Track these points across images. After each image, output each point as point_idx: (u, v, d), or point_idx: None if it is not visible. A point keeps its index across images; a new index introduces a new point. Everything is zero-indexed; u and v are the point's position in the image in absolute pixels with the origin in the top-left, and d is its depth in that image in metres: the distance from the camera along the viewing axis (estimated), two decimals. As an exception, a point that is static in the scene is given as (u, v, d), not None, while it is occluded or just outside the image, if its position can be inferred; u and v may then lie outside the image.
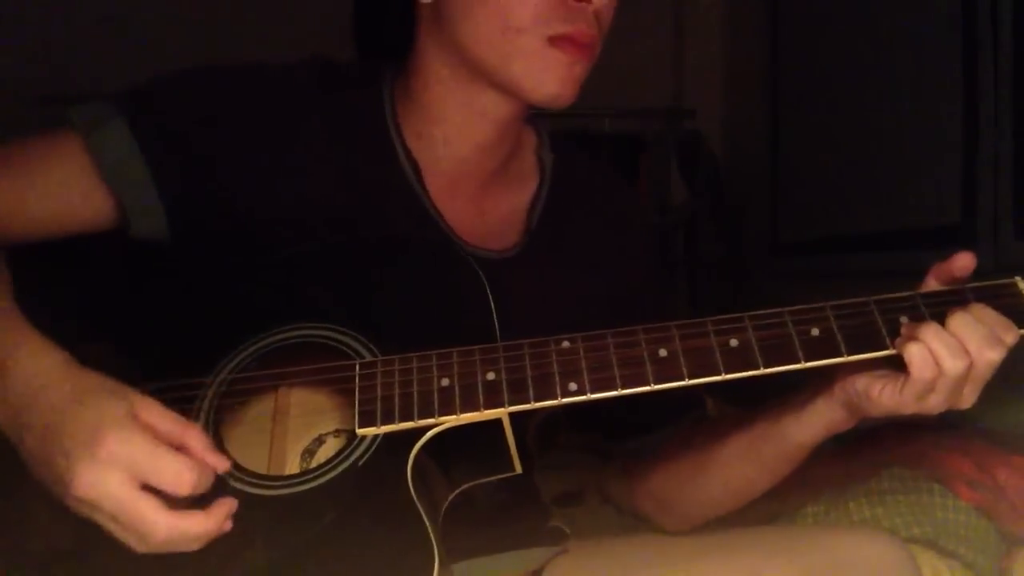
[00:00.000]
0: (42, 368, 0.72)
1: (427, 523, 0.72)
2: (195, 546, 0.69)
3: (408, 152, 0.93)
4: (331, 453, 0.79)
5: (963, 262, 0.79)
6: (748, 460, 0.91)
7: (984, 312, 0.75)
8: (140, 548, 0.68)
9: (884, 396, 0.77)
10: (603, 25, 0.90)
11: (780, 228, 2.77)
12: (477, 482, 0.79)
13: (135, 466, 0.67)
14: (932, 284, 0.80)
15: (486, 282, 0.82)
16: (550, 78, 0.86)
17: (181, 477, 0.68)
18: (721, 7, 3.16)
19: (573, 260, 0.98)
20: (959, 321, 0.74)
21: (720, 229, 3.00)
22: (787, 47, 2.74)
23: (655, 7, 3.16)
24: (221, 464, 0.72)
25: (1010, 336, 0.74)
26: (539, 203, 0.99)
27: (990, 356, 0.73)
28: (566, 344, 0.77)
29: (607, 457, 1.09)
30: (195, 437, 0.71)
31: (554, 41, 0.85)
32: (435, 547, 0.71)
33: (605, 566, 0.94)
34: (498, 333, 0.80)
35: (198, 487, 0.69)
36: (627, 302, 1.00)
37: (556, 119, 1.06)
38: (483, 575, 0.88)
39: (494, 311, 0.81)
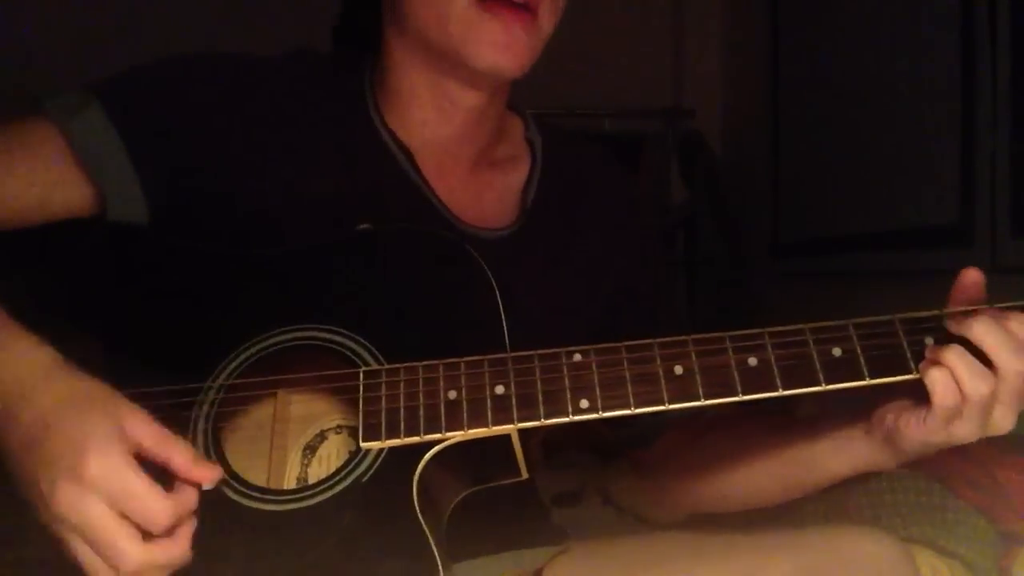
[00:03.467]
0: (34, 367, 0.70)
1: (431, 539, 0.71)
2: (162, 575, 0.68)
3: (396, 138, 0.93)
4: (332, 450, 0.79)
5: (971, 279, 0.76)
6: (773, 477, 0.90)
7: (1009, 321, 0.72)
8: (105, 575, 0.66)
9: (911, 428, 0.74)
10: None
11: (780, 228, 2.77)
12: (482, 487, 0.78)
13: (113, 495, 0.65)
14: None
15: (488, 269, 0.80)
16: (485, 45, 0.86)
17: (156, 517, 0.66)
18: (721, 7, 3.16)
19: (571, 234, 0.98)
20: (983, 327, 0.70)
21: (720, 229, 3.00)
22: (787, 47, 2.74)
23: (655, 7, 3.16)
24: (213, 473, 0.69)
25: None
26: (532, 182, 0.99)
27: (1018, 366, 0.70)
28: (578, 357, 0.74)
29: (609, 456, 1.09)
30: (180, 453, 0.68)
31: (485, 5, 0.85)
32: (439, 564, 0.71)
33: (605, 566, 0.94)
34: (504, 319, 0.78)
35: (173, 522, 0.67)
36: (626, 272, 1.01)
37: (557, 119, 1.06)
38: (484, 575, 0.88)
39: (498, 295, 0.79)
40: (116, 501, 0.65)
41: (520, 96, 1.03)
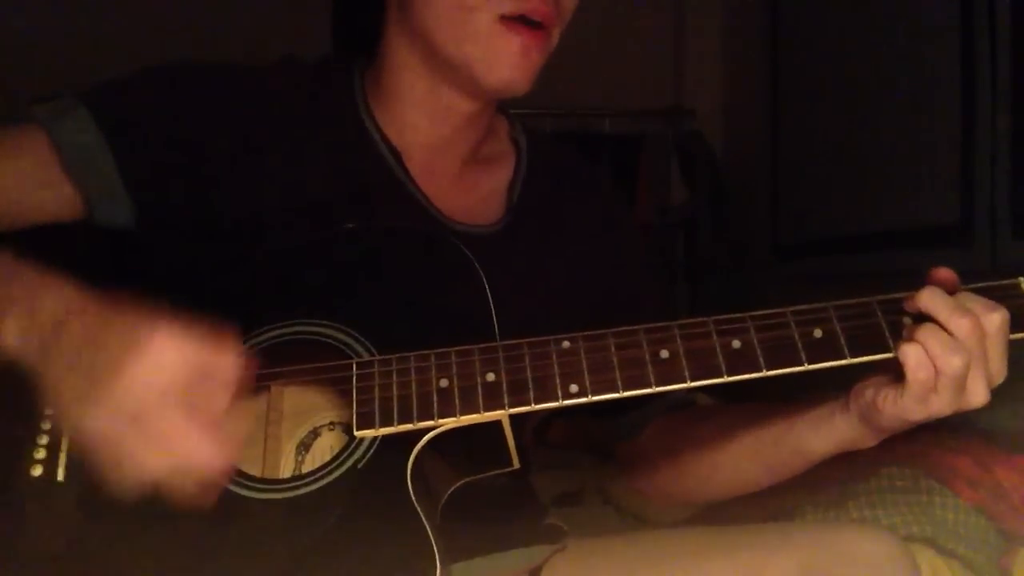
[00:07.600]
0: (78, 293, 0.69)
1: (427, 527, 0.72)
2: (187, 482, 0.66)
3: (385, 137, 0.94)
4: (326, 446, 0.79)
5: (942, 275, 0.78)
6: (757, 459, 0.91)
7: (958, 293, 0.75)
8: (143, 467, 0.64)
9: (888, 403, 0.76)
10: (563, 8, 0.90)
11: (780, 229, 2.77)
12: (475, 477, 0.79)
13: (192, 346, 0.65)
14: None
15: (476, 263, 0.81)
16: (502, 63, 0.87)
17: (229, 368, 0.66)
18: (721, 7, 3.16)
19: (556, 231, 1.00)
20: (926, 295, 0.74)
21: (720, 229, 3.00)
22: (787, 47, 2.74)
23: (655, 7, 3.16)
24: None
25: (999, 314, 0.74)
26: (518, 180, 1.01)
27: (965, 324, 0.72)
28: (566, 344, 0.76)
29: (607, 456, 1.09)
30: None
31: (507, 23, 0.86)
32: (436, 551, 0.71)
33: (605, 564, 0.94)
34: (493, 311, 0.79)
35: (237, 381, 0.66)
36: (611, 270, 1.02)
37: (557, 119, 1.07)
38: (482, 575, 0.88)
39: (488, 290, 0.80)
40: (195, 352, 0.64)
41: (521, 96, 1.03)
